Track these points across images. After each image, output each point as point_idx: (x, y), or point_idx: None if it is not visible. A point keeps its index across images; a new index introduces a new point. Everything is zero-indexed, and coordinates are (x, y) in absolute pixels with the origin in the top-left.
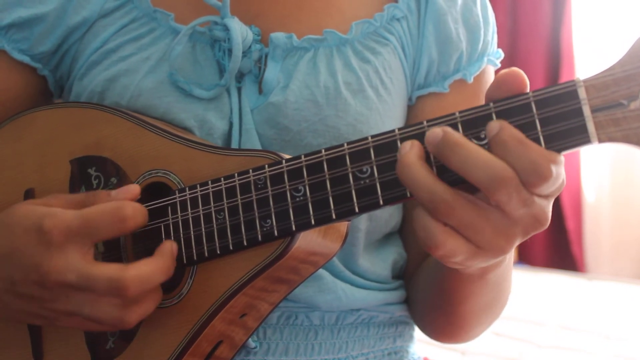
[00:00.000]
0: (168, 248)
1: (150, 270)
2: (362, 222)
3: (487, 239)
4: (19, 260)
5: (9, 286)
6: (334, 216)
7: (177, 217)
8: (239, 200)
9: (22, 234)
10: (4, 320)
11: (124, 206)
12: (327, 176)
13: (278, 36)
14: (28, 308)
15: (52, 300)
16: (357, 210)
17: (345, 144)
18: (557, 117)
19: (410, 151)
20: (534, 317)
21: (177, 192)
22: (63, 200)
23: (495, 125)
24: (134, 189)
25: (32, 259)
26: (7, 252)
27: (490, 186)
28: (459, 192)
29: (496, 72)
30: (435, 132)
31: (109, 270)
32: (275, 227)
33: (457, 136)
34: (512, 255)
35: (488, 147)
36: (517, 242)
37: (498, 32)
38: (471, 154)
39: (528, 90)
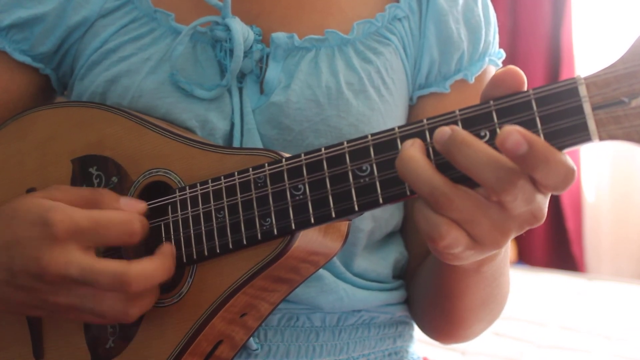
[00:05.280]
0: (169, 249)
1: (153, 268)
2: (365, 222)
3: (484, 233)
4: (20, 251)
5: (9, 277)
6: (333, 214)
7: (177, 216)
8: (239, 198)
9: (27, 226)
10: (3, 312)
11: (134, 221)
12: (326, 174)
13: (279, 36)
14: (27, 300)
15: (52, 293)
16: (356, 208)
17: (345, 142)
18: (557, 114)
19: (412, 146)
20: (534, 317)
21: (177, 190)
22: (67, 193)
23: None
24: (143, 207)
25: (33, 251)
26: (9, 242)
27: (497, 187)
28: (458, 185)
29: None
30: (443, 130)
31: (113, 265)
32: (274, 226)
33: (465, 134)
34: (507, 249)
35: (491, 144)
36: (512, 236)
37: (498, 32)
38: (479, 154)
39: (526, 88)
